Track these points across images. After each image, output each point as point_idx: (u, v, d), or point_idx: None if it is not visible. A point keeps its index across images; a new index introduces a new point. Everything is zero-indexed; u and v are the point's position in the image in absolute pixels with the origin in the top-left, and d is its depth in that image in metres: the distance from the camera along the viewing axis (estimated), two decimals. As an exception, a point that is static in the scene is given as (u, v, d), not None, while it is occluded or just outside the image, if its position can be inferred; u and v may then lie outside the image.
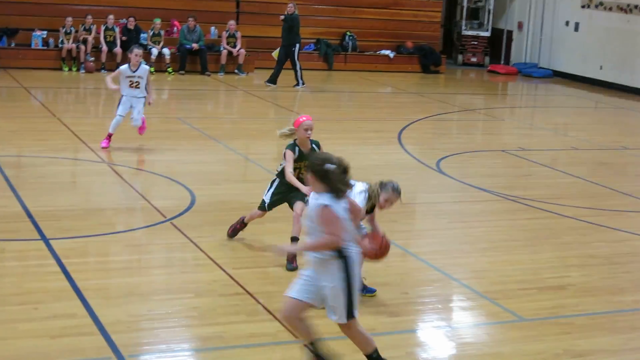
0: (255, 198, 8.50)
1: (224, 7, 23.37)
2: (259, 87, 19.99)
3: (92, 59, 20.66)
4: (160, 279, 7.50)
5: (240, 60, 21.81)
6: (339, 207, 5.33)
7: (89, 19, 20.80)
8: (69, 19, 20.59)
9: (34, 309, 6.55)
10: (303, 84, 20.12)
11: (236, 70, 21.80)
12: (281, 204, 8.18)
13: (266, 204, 8.16)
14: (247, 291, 7.17)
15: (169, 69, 21.16)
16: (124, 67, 12.13)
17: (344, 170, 5.35)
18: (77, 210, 9.37)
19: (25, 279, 7.22)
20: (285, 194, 8.05)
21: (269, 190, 8.16)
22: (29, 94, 17.15)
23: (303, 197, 7.78)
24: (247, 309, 6.84)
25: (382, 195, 6.98)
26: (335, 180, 5.29)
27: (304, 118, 7.86)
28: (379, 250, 6.70)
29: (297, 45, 20.04)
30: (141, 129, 12.44)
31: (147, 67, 12.32)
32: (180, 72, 21.19)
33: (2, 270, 7.50)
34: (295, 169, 7.89)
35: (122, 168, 11.23)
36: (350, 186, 5.44)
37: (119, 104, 12.28)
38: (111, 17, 20.90)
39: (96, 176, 11.01)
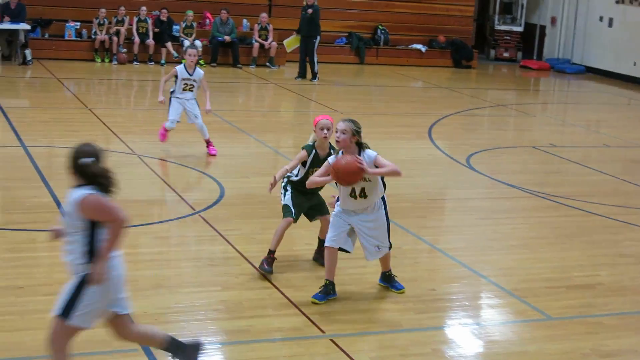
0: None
1: (256, -1, 23.43)
2: (290, 80, 20.01)
3: (125, 50, 20.79)
4: (188, 272, 7.54)
5: (272, 53, 21.84)
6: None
7: (122, 10, 20.91)
8: (102, 10, 20.73)
9: (64, 299, 6.60)
10: (317, 78, 20.00)
11: (267, 63, 21.83)
12: (300, 214, 7.59)
13: (293, 213, 7.47)
14: (274, 285, 7.19)
15: (201, 61, 21.22)
16: (180, 68, 11.45)
17: (102, 166, 4.92)
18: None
19: (56, 270, 7.26)
20: (302, 206, 7.53)
21: (285, 196, 7.56)
22: (62, 85, 17.28)
23: (325, 212, 7.58)
24: (274, 303, 6.85)
25: None
26: (93, 174, 4.88)
27: (321, 117, 7.39)
28: (333, 172, 6.60)
29: (318, 37, 19.98)
30: (213, 152, 11.73)
31: (202, 71, 11.65)
32: (212, 64, 21.26)
33: (33, 261, 7.58)
34: (307, 175, 7.33)
35: (153, 160, 11.28)
36: (113, 182, 4.95)
37: (169, 106, 11.74)
38: (144, 8, 21.01)
39: (126, 168, 11.06)
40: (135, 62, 20.73)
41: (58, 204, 9.05)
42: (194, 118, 11.61)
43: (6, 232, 8.26)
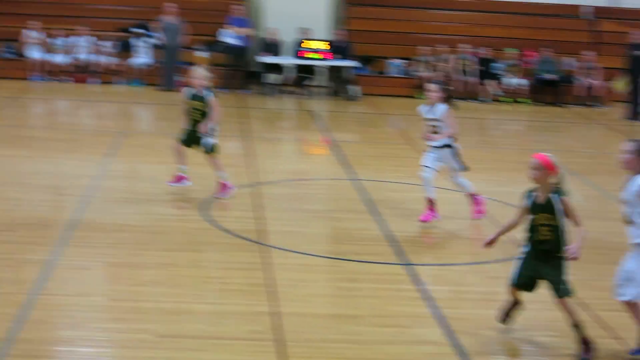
0: (617, 237, 7.93)
1: (579, 37, 22.67)
2: (617, 121, 19.07)
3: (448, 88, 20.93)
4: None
5: (597, 92, 20.98)
6: None
7: (443, 47, 21.13)
8: (425, 47, 21.09)
9: (400, 332, 6.59)
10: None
11: (592, 103, 21.00)
12: (533, 283, 6.54)
13: (514, 280, 6.61)
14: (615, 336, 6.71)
15: (525, 100, 20.91)
16: (423, 106, 9.74)
17: None
18: (434, 237, 9.41)
19: (386, 302, 7.31)
20: (530, 271, 6.46)
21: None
22: (386, 121, 17.71)
23: (559, 294, 6.30)
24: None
25: None
26: None
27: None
28: None
29: None
30: (478, 212, 10.05)
31: (444, 106, 9.59)
32: (536, 103, 20.84)
33: (361, 292, 7.65)
34: (533, 226, 6.35)
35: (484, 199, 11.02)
36: None
37: None
38: (465, 46, 21.09)
39: (455, 205, 10.90)
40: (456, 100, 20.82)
41: (387, 237, 9.13)
42: (453, 170, 9.81)
43: (340, 262, 8.46)
